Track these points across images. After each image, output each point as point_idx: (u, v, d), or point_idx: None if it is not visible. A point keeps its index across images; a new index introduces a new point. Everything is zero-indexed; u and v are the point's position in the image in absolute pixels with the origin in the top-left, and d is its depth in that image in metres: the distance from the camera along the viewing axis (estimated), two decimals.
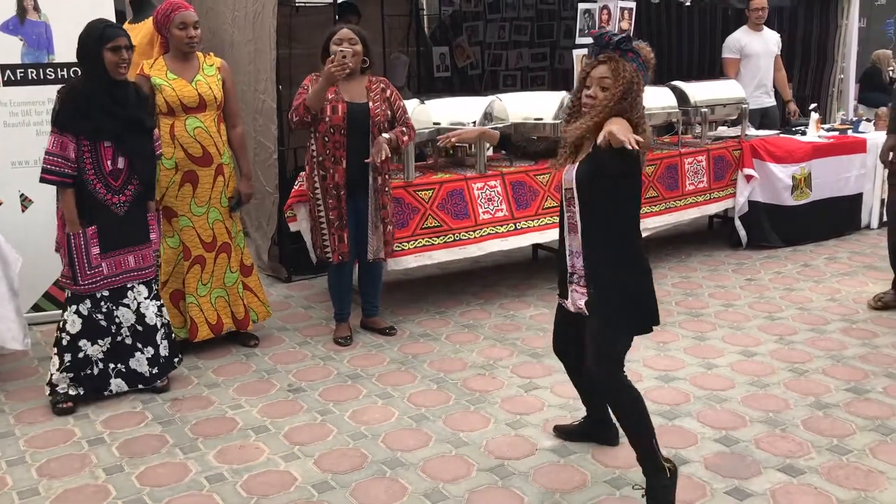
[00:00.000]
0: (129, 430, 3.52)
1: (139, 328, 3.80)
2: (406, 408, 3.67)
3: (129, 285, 3.77)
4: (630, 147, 2.48)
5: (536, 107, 5.30)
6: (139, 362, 3.81)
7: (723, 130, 6.57)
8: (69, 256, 3.63)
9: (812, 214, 6.28)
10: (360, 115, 4.18)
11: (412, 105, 4.86)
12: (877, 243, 6.20)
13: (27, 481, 3.11)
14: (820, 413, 3.54)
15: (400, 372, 4.07)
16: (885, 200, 5.06)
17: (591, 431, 3.31)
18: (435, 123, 5.03)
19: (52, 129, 3.57)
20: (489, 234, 5.03)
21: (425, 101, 5.12)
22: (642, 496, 2.77)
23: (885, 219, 6.26)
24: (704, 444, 3.29)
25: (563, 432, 3.36)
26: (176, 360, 3.97)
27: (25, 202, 4.69)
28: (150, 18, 4.20)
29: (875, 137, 6.42)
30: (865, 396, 3.69)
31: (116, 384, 3.77)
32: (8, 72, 4.58)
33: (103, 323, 3.72)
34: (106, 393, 3.75)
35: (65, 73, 4.64)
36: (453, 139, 3.72)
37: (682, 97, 5.87)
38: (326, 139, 4.15)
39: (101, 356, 3.74)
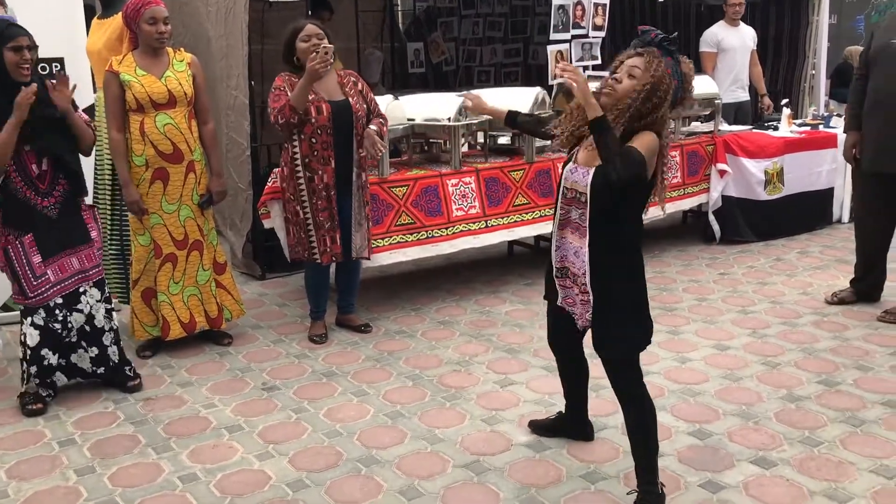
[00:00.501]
0: (101, 430, 3.48)
1: (87, 328, 3.73)
2: (381, 405, 3.66)
3: (81, 289, 3.68)
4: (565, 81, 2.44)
5: (511, 103, 5.23)
6: (80, 358, 3.74)
7: (696, 126, 6.62)
8: (12, 271, 3.55)
9: (784, 209, 6.35)
10: (344, 112, 4.15)
11: (386, 101, 4.84)
12: (847, 237, 6.25)
13: None
14: (792, 405, 3.57)
15: (375, 369, 4.06)
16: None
17: (566, 427, 3.31)
18: (409, 119, 5.02)
19: None
20: (461, 231, 5.03)
21: (399, 98, 5.11)
22: (634, 503, 2.77)
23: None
24: (678, 438, 3.31)
25: (538, 427, 3.36)
26: (127, 368, 3.87)
27: None
28: (120, 13, 4.14)
29: None
30: (836, 388, 3.73)
31: (57, 377, 3.70)
32: None
33: (61, 332, 3.64)
34: (48, 381, 3.67)
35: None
36: (470, 103, 3.56)
37: None
38: (314, 140, 4.11)
39: (62, 362, 3.71)
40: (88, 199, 3.86)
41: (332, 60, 4.04)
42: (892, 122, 4.44)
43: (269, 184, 4.70)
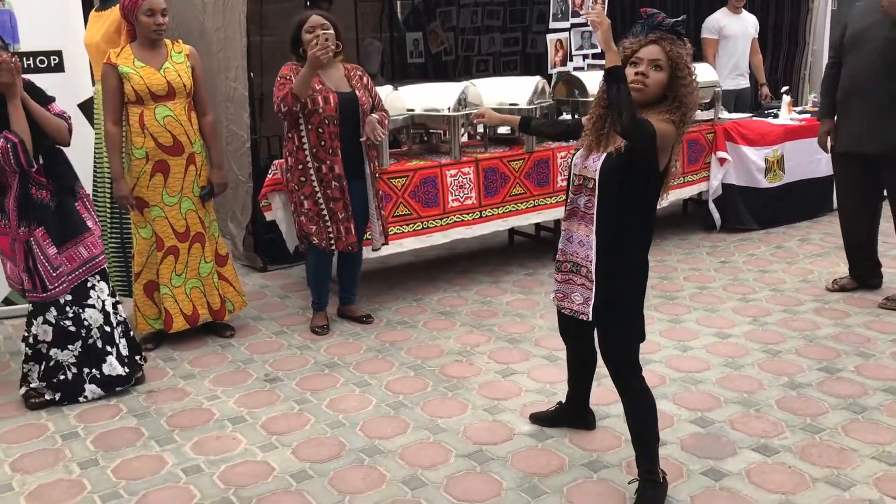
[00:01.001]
0: (104, 423, 3.49)
1: (107, 329, 3.73)
2: (384, 395, 3.67)
3: (89, 283, 3.68)
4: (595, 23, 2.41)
5: (511, 92, 5.29)
6: (111, 366, 3.71)
7: (695, 113, 6.59)
8: (32, 266, 3.54)
9: (785, 197, 6.34)
10: (350, 104, 4.15)
11: (386, 91, 4.83)
12: None
13: (0, 477, 3.07)
14: (793, 393, 3.58)
15: (377, 360, 4.07)
16: None
17: (567, 417, 3.31)
18: (409, 110, 5.02)
19: None
20: (455, 221, 5.04)
21: (399, 88, 5.10)
22: (635, 492, 2.77)
23: None
24: (680, 426, 3.31)
25: (539, 420, 3.36)
26: (138, 357, 3.88)
27: None
28: (118, 6, 4.12)
29: None
30: (837, 375, 3.74)
31: (91, 390, 3.67)
32: None
33: (72, 328, 3.63)
34: (81, 399, 3.65)
35: (31, 62, 4.56)
36: (479, 120, 3.55)
37: None
38: (321, 130, 4.10)
39: (72, 360, 3.65)
40: (88, 190, 3.84)
41: (333, 48, 4.03)
42: (870, 106, 4.49)
43: (270, 176, 4.70)
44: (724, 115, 6.49)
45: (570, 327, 3.06)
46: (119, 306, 3.85)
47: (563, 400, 3.35)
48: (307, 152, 4.15)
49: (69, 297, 3.62)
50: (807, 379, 3.71)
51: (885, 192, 4.63)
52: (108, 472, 3.09)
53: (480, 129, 5.57)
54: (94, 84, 4.56)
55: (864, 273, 4.83)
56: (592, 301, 2.75)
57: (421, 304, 4.88)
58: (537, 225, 5.84)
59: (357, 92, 4.20)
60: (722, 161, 6.11)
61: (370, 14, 8.57)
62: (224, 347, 4.27)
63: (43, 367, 3.63)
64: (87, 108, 4.68)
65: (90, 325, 3.67)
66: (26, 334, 3.66)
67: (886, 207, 4.70)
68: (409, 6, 9.42)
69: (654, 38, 2.62)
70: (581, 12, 2.57)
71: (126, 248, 4.49)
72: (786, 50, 8.44)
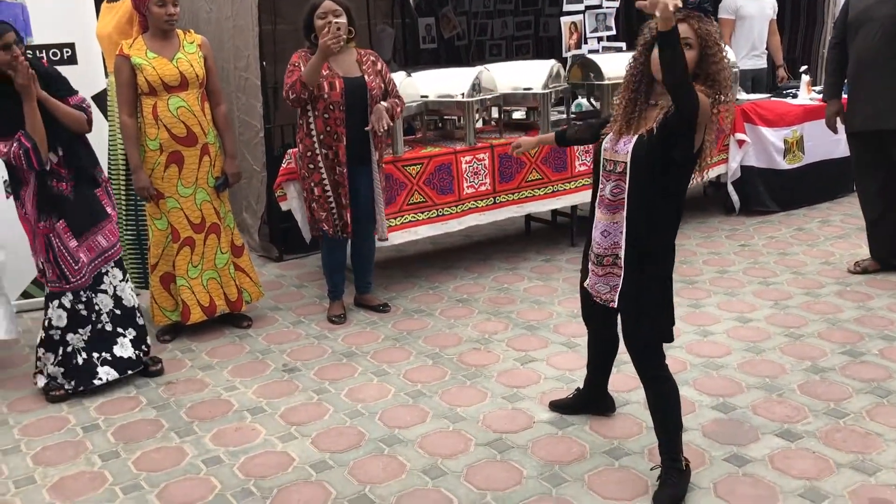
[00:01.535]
0: (124, 415, 3.50)
1: (118, 312, 3.75)
2: (402, 384, 3.65)
3: (103, 269, 3.70)
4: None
5: (525, 76, 5.23)
6: (123, 347, 3.75)
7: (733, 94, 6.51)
8: (53, 259, 3.56)
9: (805, 178, 6.26)
10: (358, 89, 4.12)
11: (399, 78, 4.79)
12: None
13: (23, 470, 3.09)
14: (816, 377, 3.53)
15: (395, 349, 4.05)
16: None
17: (586, 403, 3.29)
18: (423, 96, 4.98)
19: None
20: (470, 208, 5.01)
21: (412, 74, 5.06)
22: (657, 479, 2.75)
23: None
24: (702, 412, 3.28)
25: (558, 407, 3.34)
26: (144, 346, 3.87)
27: (9, 188, 4.60)
28: None
29: None
30: (861, 359, 3.68)
31: (105, 371, 3.70)
32: None
33: (84, 313, 3.66)
34: (95, 382, 3.68)
35: (43, 54, 4.56)
36: (517, 151, 3.50)
37: None
38: (327, 116, 4.08)
39: (82, 345, 3.67)
40: None
41: (344, 36, 4.00)
42: (882, 82, 4.46)
43: (284, 165, 4.68)
44: (742, 95, 6.40)
45: (594, 312, 3.02)
46: (132, 291, 3.86)
47: (581, 386, 3.32)
48: (315, 139, 4.13)
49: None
50: (830, 363, 3.66)
51: None
52: (129, 464, 3.10)
53: (495, 114, 5.53)
54: (107, 76, 4.55)
55: (886, 254, 4.75)
56: (620, 287, 2.72)
57: (437, 291, 4.86)
58: (554, 211, 5.79)
59: (366, 77, 4.16)
60: (741, 143, 6.03)
61: (382, 0, 8.51)
62: (242, 338, 4.27)
63: (60, 354, 3.64)
64: (100, 99, 4.67)
65: (100, 309, 3.70)
66: (44, 318, 3.69)
67: None
68: None
69: (681, 17, 2.56)
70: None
71: (142, 240, 4.49)
72: (803, 29, 8.31)
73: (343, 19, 4.03)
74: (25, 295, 4.73)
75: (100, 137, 4.50)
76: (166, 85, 3.94)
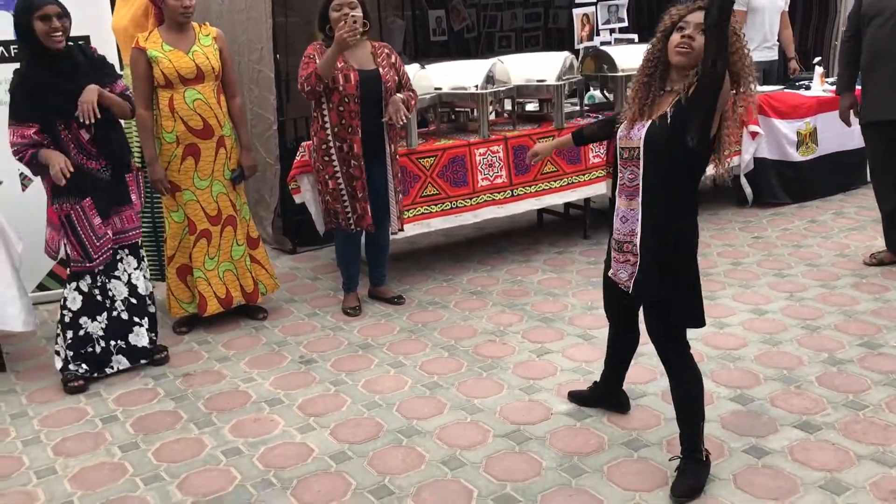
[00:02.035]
0: (142, 406, 3.51)
1: (133, 301, 3.79)
2: (418, 376, 3.66)
3: (118, 255, 3.74)
4: None
5: (538, 68, 5.22)
6: (138, 336, 3.80)
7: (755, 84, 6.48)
8: (76, 236, 3.58)
9: (819, 169, 6.23)
10: (373, 82, 4.11)
11: (413, 70, 4.79)
12: None
13: (43, 461, 3.11)
14: (834, 369, 3.53)
15: (410, 340, 4.06)
16: None
17: (601, 398, 3.28)
18: (436, 88, 4.97)
19: (11, 121, 3.46)
20: (486, 201, 5.01)
21: (426, 66, 5.05)
22: (675, 469, 2.75)
23: None
24: (720, 404, 3.28)
25: (575, 397, 3.34)
26: (153, 335, 3.91)
27: (25, 181, 4.64)
28: None
29: None
30: (879, 351, 3.68)
31: (118, 360, 3.76)
32: (1, 48, 4.50)
33: (99, 298, 3.71)
34: (108, 370, 3.73)
35: None
36: (535, 159, 3.48)
37: None
38: (341, 109, 4.08)
39: (101, 333, 3.72)
40: None
41: (360, 30, 3.99)
42: (894, 72, 4.45)
43: (298, 158, 4.68)
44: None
45: (616, 305, 3.01)
46: (147, 280, 3.88)
47: (598, 380, 3.32)
48: (329, 132, 4.13)
49: (101, 267, 3.68)
50: (847, 355, 3.65)
51: None
52: (148, 455, 3.11)
53: (508, 106, 5.52)
54: (122, 69, 4.55)
55: None
56: (635, 273, 2.71)
57: (451, 284, 4.86)
58: (567, 203, 5.78)
59: (381, 70, 4.16)
60: (753, 135, 6.00)
61: None
62: (258, 330, 4.28)
63: (71, 336, 3.67)
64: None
65: (114, 296, 3.74)
66: (62, 298, 3.74)
67: None
68: None
69: (701, 5, 2.54)
70: None
71: (158, 233, 4.51)
72: (816, 20, 8.27)
73: (358, 12, 4.02)
74: (41, 287, 4.75)
75: None
76: (182, 78, 3.95)
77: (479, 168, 4.95)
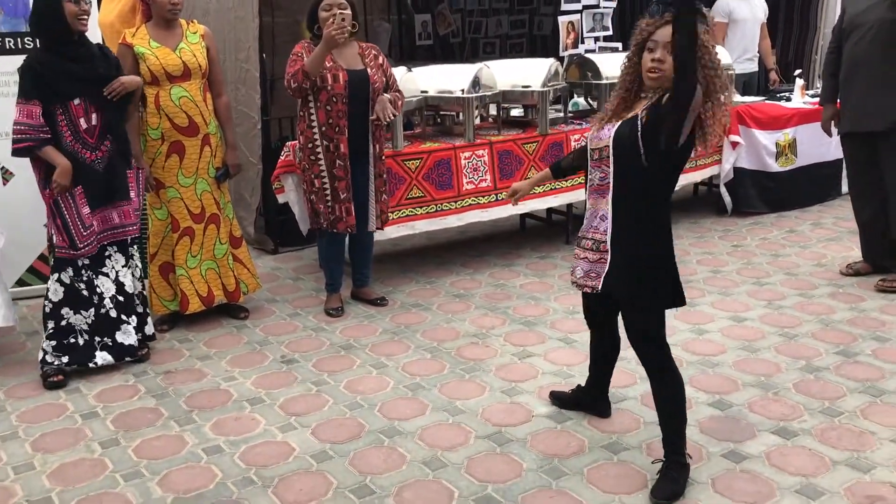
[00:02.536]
0: (122, 403, 3.50)
1: (120, 298, 3.77)
2: (401, 377, 3.67)
3: (106, 252, 3.73)
4: None
5: (524, 74, 5.25)
6: (126, 334, 3.78)
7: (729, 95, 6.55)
8: (62, 222, 3.57)
9: (797, 180, 6.32)
10: (361, 82, 4.13)
11: (399, 73, 4.80)
12: None
13: (21, 456, 3.08)
14: (811, 376, 3.58)
15: (393, 342, 4.07)
16: None
17: (583, 402, 3.31)
18: (423, 91, 5.00)
19: (19, 100, 3.51)
20: (470, 204, 5.03)
21: (412, 69, 5.07)
22: (657, 473, 2.78)
23: None
24: (699, 409, 3.32)
25: (557, 398, 3.37)
26: (140, 335, 3.90)
27: (6, 175, 4.60)
28: None
29: None
30: (855, 359, 3.74)
31: (102, 357, 3.73)
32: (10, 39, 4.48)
33: (85, 293, 3.68)
34: (91, 365, 3.71)
35: None
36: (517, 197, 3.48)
37: None
38: (329, 108, 4.09)
39: (85, 328, 3.70)
40: None
41: (349, 29, 4.01)
42: (871, 84, 4.52)
43: (283, 157, 4.68)
44: (737, 98, 6.45)
45: (593, 309, 3.05)
46: (135, 278, 3.87)
47: (582, 384, 3.34)
48: (316, 130, 4.14)
49: (87, 261, 3.66)
50: (824, 363, 3.71)
51: (883, 170, 4.59)
52: (129, 452, 3.10)
53: (493, 111, 5.55)
54: None
55: (878, 256, 4.81)
56: (606, 272, 2.73)
57: (434, 286, 4.87)
58: (549, 208, 5.82)
59: (369, 70, 4.17)
60: (734, 145, 6.08)
61: None
62: (239, 329, 4.27)
63: (52, 327, 3.65)
64: None
65: (102, 293, 3.72)
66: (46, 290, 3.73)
67: None
68: None
69: (668, 20, 2.54)
70: None
71: (141, 229, 4.48)
72: (797, 34, 8.39)
73: (348, 12, 4.04)
74: (20, 283, 4.71)
75: None
76: (169, 75, 3.94)
77: (464, 172, 4.98)
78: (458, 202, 5.00)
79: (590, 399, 3.29)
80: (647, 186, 2.65)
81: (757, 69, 7.24)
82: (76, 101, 3.54)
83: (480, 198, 5.05)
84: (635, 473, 2.88)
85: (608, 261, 2.73)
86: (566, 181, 5.34)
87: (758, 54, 7.19)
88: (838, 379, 3.55)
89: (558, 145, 5.30)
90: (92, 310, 3.71)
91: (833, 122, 4.90)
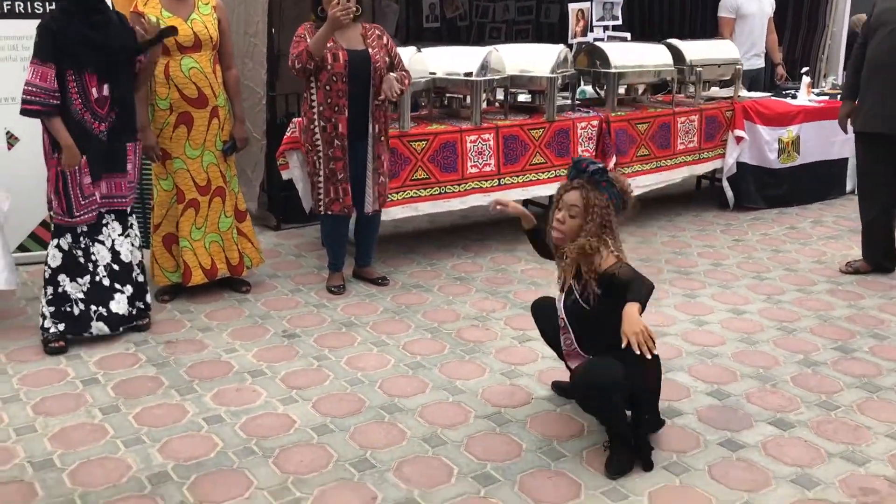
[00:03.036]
0: (123, 371, 3.50)
1: (115, 267, 3.77)
2: (401, 356, 3.69)
3: (104, 220, 3.73)
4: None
5: (533, 60, 5.25)
6: (119, 304, 3.78)
7: (715, 91, 6.57)
8: (63, 190, 3.56)
9: (798, 178, 6.34)
10: (362, 62, 4.12)
11: (409, 53, 4.80)
12: None
13: (23, 418, 3.09)
14: (808, 370, 3.61)
15: (394, 321, 4.08)
16: None
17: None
18: (431, 73, 4.98)
19: (33, 59, 3.47)
20: (473, 188, 5.03)
21: (422, 50, 5.06)
22: (605, 448, 2.90)
23: None
24: (697, 398, 3.34)
25: (559, 388, 3.36)
26: (140, 302, 3.90)
27: (11, 140, 4.59)
28: None
29: None
30: (852, 355, 3.76)
31: (98, 327, 3.73)
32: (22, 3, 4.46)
33: (81, 259, 3.68)
34: (86, 335, 3.71)
35: (52, 5, 4.50)
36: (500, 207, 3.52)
37: (677, 55, 5.84)
38: (328, 88, 4.08)
39: (80, 296, 3.69)
40: None
41: (354, 10, 4.00)
42: (889, 86, 4.51)
43: (288, 134, 4.67)
44: (743, 93, 6.46)
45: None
46: (135, 247, 3.86)
47: None
48: (315, 111, 4.13)
49: (85, 229, 3.66)
50: (822, 357, 3.74)
51: None
52: (129, 419, 3.11)
53: (500, 95, 5.54)
54: None
55: (879, 256, 4.83)
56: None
57: (436, 268, 4.88)
58: (552, 196, 5.82)
59: (370, 50, 4.16)
60: (738, 139, 6.09)
61: None
62: (241, 302, 4.28)
63: (51, 293, 3.66)
64: None
65: (97, 261, 3.72)
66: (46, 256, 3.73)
67: None
68: None
69: (576, 185, 2.82)
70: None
71: (145, 200, 4.48)
72: (804, 31, 8.37)
73: None
74: (22, 248, 4.71)
75: None
76: (179, 45, 3.93)
77: (469, 155, 4.98)
78: (462, 185, 5.00)
79: None
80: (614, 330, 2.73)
81: (764, 65, 7.23)
82: (90, 69, 3.52)
83: (484, 182, 5.06)
84: (634, 459, 2.90)
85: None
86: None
87: (764, 49, 7.18)
88: (835, 374, 3.58)
89: (564, 132, 5.30)
90: (87, 277, 3.70)
91: (850, 119, 4.84)
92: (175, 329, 3.94)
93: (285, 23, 6.39)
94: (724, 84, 6.56)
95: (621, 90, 5.71)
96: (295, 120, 4.67)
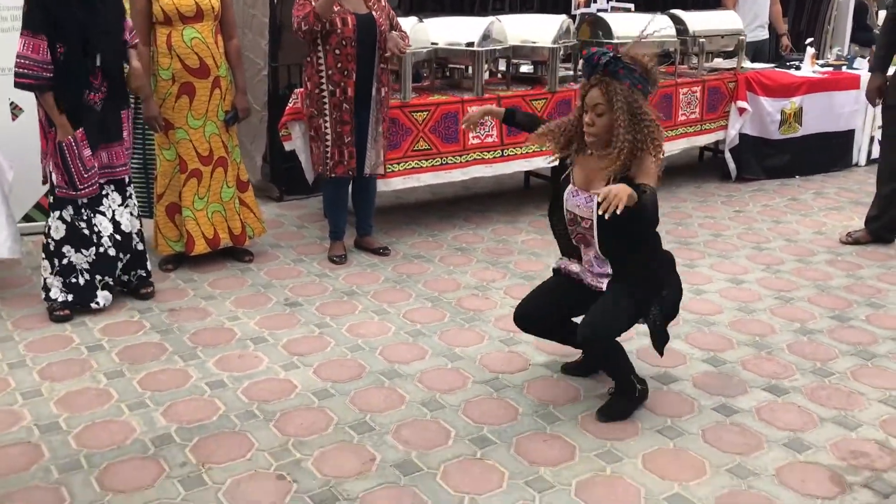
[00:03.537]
0: (128, 337, 3.56)
1: (118, 237, 3.81)
2: (402, 323, 3.73)
3: (104, 191, 3.76)
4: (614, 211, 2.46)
5: (535, 30, 5.24)
6: (121, 272, 3.85)
7: (718, 62, 6.55)
8: (63, 164, 3.58)
9: (801, 149, 6.33)
10: (368, 26, 4.15)
11: (410, 24, 4.79)
12: (864, 180, 6.29)
13: (29, 383, 3.15)
14: (804, 338, 3.64)
15: (395, 290, 4.12)
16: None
17: (593, 366, 3.31)
18: (433, 43, 4.98)
19: (24, 31, 3.45)
20: (475, 159, 5.05)
21: (423, 20, 5.05)
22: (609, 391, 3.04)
23: (873, 156, 6.36)
24: (693, 364, 3.39)
25: (570, 370, 3.31)
26: (142, 270, 3.96)
27: (16, 111, 4.62)
28: None
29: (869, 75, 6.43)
30: (849, 324, 3.80)
31: (103, 296, 3.78)
32: None
33: (85, 231, 3.72)
34: (93, 305, 3.75)
35: None
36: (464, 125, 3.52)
37: (680, 26, 5.82)
38: (338, 52, 4.10)
39: (86, 266, 3.74)
40: None
41: None
42: None
43: (290, 105, 4.69)
44: (747, 64, 6.44)
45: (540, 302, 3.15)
46: (133, 216, 3.90)
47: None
48: (323, 75, 4.15)
49: (85, 200, 3.70)
50: (818, 326, 3.77)
51: None
52: (134, 384, 3.17)
53: (502, 66, 5.54)
54: None
55: (883, 230, 4.82)
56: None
57: (437, 239, 4.92)
58: (554, 167, 5.83)
59: (374, 13, 4.18)
60: (741, 111, 6.08)
61: None
62: (243, 272, 4.33)
63: (57, 264, 3.70)
64: None
65: (100, 231, 3.76)
66: (45, 226, 3.77)
67: None
68: None
69: (594, 82, 2.71)
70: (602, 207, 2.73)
71: (149, 170, 4.52)
72: (811, 1, 8.32)
73: None
74: (27, 218, 4.75)
75: None
76: (182, 15, 3.94)
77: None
78: (464, 156, 5.02)
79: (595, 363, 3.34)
80: (639, 244, 2.84)
81: (767, 36, 7.19)
82: (80, 39, 3.49)
83: (486, 153, 5.07)
84: (630, 422, 2.95)
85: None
86: None
87: (768, 21, 7.14)
88: (831, 342, 3.61)
89: (566, 103, 5.30)
90: (92, 248, 3.75)
91: (879, 91, 4.68)
92: (178, 297, 3.99)
93: None
94: (727, 55, 6.55)
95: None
96: (296, 91, 4.68)
